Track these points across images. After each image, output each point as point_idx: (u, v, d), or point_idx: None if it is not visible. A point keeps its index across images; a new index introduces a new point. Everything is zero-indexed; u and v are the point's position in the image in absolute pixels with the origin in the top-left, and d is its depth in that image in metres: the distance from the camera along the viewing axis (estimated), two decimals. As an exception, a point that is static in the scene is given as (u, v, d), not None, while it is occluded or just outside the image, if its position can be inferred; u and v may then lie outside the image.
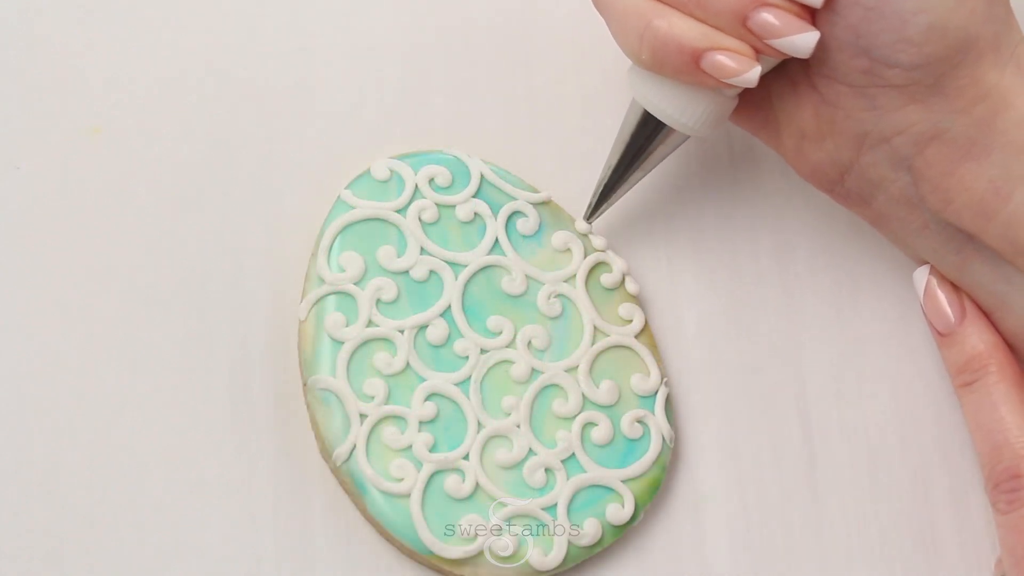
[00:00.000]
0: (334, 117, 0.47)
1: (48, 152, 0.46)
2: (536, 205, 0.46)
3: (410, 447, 0.43)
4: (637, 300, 0.46)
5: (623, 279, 0.46)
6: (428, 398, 0.43)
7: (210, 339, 0.45)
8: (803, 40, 0.40)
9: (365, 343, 0.44)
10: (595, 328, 0.45)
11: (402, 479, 0.43)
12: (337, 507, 0.44)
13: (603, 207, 0.45)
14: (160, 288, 0.45)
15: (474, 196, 0.46)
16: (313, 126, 0.47)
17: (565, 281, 0.45)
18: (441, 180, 0.46)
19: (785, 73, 0.43)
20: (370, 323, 0.44)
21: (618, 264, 0.46)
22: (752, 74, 0.40)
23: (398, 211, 0.45)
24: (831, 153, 0.43)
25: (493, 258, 0.45)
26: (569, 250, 0.46)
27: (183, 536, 0.43)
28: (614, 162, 0.44)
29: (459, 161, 0.46)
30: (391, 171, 0.45)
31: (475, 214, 0.45)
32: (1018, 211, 0.41)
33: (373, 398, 0.43)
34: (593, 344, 0.45)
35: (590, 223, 0.46)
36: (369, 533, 0.44)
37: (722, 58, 0.40)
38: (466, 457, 0.43)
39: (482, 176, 0.46)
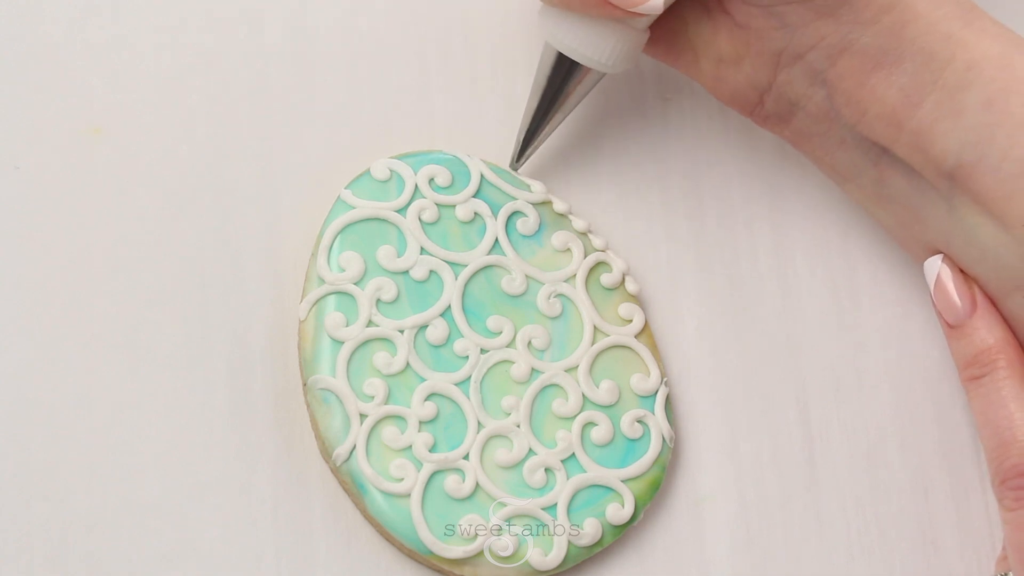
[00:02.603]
0: (334, 117, 0.47)
1: (48, 152, 0.46)
2: (536, 205, 0.46)
3: (410, 447, 0.43)
4: (637, 300, 0.46)
5: (623, 279, 0.46)
6: (428, 398, 0.43)
7: (210, 339, 0.45)
8: None
9: (365, 343, 0.44)
10: (595, 328, 0.45)
11: (402, 479, 0.43)
12: (337, 507, 0.44)
13: (528, 152, 0.46)
14: (160, 288, 0.45)
15: (474, 196, 0.46)
16: (313, 126, 0.47)
17: (565, 281, 0.45)
18: (441, 180, 0.46)
19: (698, 1, 0.44)
20: (370, 323, 0.44)
21: (618, 264, 0.46)
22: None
23: (398, 211, 0.45)
24: (749, 75, 0.44)
25: (493, 258, 0.45)
26: (569, 250, 0.46)
27: (183, 536, 0.43)
28: (533, 106, 0.45)
29: (459, 161, 0.46)
30: (391, 171, 0.45)
31: (475, 214, 0.45)
32: (927, 118, 0.41)
33: (373, 398, 0.43)
34: (593, 344, 0.45)
35: (516, 170, 0.46)
36: (369, 533, 0.44)
37: None
38: (466, 457, 0.43)
39: (482, 176, 0.46)
